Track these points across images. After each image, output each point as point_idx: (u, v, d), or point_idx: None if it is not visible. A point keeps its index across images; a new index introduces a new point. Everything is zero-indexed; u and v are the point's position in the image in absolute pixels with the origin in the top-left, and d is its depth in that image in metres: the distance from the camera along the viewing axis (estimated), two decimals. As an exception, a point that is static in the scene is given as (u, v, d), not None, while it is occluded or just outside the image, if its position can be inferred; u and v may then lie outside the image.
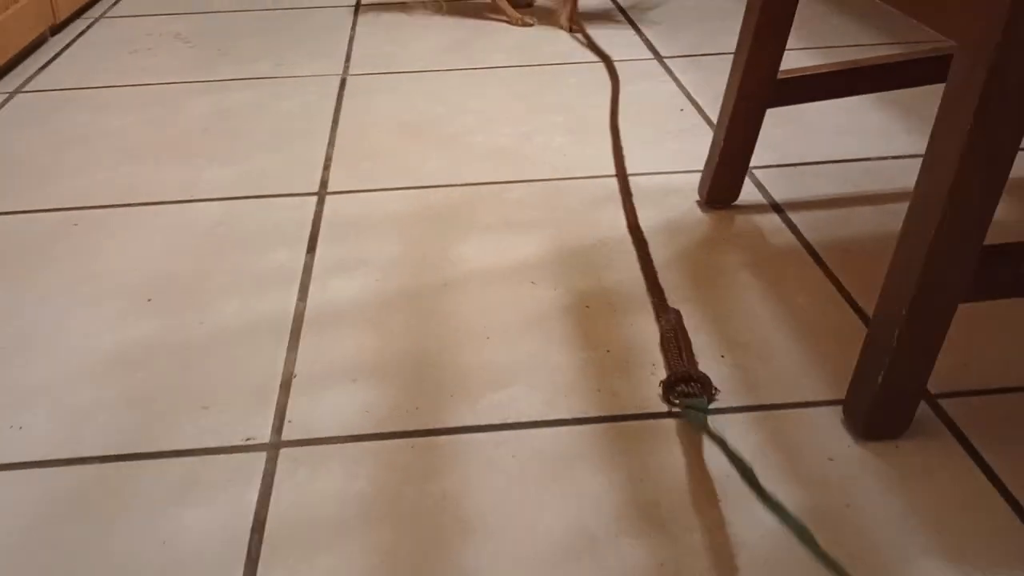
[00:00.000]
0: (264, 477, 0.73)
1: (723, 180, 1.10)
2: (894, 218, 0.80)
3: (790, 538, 0.65)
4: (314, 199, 1.15)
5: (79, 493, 0.72)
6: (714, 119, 1.34)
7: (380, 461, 0.74)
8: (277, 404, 0.81)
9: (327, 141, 1.31)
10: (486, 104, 1.43)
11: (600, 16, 1.84)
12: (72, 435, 0.78)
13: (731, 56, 1.03)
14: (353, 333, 0.90)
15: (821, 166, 1.21)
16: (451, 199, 1.14)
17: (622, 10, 1.88)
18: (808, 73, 1.06)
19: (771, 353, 0.85)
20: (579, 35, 1.72)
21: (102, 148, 1.31)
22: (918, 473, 0.72)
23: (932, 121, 0.66)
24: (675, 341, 0.84)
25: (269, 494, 0.71)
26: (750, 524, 0.67)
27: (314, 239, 1.06)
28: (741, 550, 0.65)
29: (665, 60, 1.59)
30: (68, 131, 1.36)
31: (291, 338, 0.89)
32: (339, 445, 0.76)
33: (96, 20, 1.89)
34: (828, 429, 0.76)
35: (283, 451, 0.75)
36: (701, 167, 1.13)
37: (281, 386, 0.83)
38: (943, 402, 0.79)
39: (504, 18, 1.83)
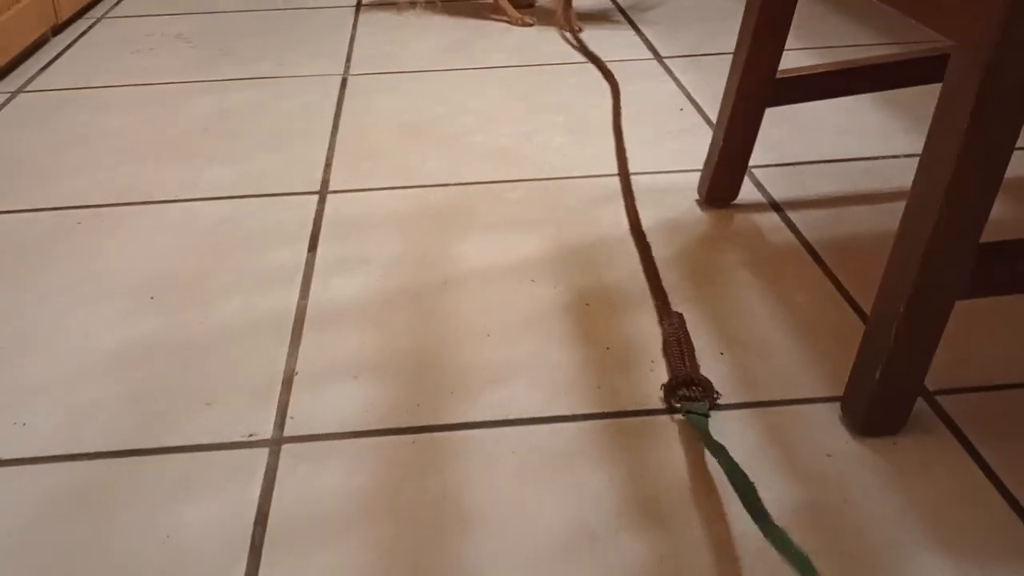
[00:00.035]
0: (266, 473, 0.73)
1: (722, 179, 1.10)
2: (892, 217, 0.80)
3: (789, 533, 0.65)
4: (315, 198, 1.16)
5: (81, 489, 0.72)
6: (714, 119, 1.34)
7: (381, 457, 0.74)
8: (279, 401, 0.81)
9: (328, 141, 1.32)
10: (486, 104, 1.43)
11: (599, 16, 1.85)
12: (74, 432, 0.78)
13: (730, 56, 1.03)
14: (354, 331, 0.90)
15: (820, 165, 1.21)
16: (451, 198, 1.15)
17: (621, 10, 1.89)
18: (807, 73, 1.06)
19: (770, 351, 0.86)
20: (571, 39, 1.72)
21: (103, 148, 1.31)
22: (915, 469, 0.72)
23: (930, 121, 0.67)
24: (678, 345, 0.85)
25: (272, 490, 0.71)
26: (749, 518, 0.67)
27: (315, 238, 1.07)
28: (741, 544, 0.66)
29: (665, 60, 1.60)
30: (69, 131, 1.37)
31: (293, 336, 0.89)
32: (340, 441, 0.76)
33: (98, 20, 1.90)
34: (826, 425, 0.77)
35: (285, 447, 0.76)
36: (701, 166, 1.13)
37: (283, 383, 0.83)
38: (940, 398, 0.79)
39: (504, 18, 1.83)
